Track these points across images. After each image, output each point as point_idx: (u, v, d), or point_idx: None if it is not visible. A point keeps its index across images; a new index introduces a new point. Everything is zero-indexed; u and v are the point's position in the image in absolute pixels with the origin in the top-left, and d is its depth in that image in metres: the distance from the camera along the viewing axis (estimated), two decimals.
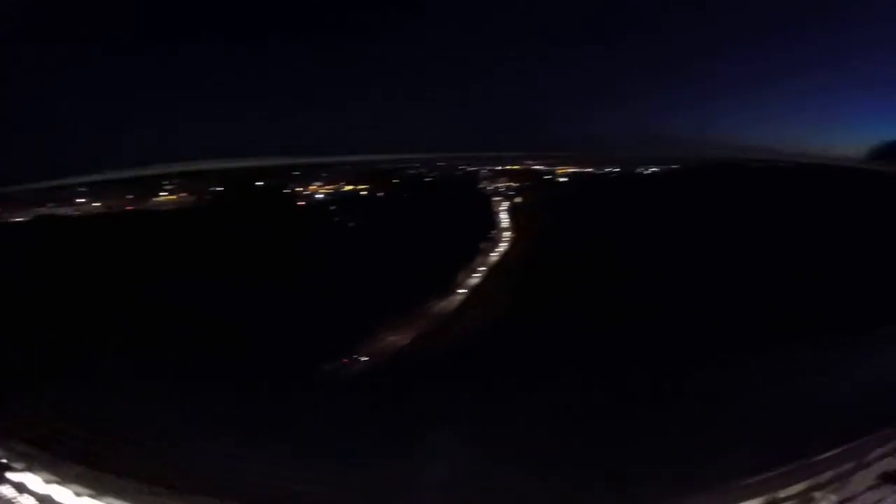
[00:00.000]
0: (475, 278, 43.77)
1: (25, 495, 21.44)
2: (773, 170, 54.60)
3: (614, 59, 56.75)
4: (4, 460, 22.68)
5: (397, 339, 37.75)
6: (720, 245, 44.80)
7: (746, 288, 39.90)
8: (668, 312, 37.48)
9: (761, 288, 39.69)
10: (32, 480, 22.07)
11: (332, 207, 49.36)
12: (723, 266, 42.44)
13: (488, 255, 46.13)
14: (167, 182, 48.61)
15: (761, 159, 55.00)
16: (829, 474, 16.09)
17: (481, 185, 53.84)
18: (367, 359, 35.27)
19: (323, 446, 24.19)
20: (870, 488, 15.58)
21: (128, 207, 47.74)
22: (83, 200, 46.79)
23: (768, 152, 55.09)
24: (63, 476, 22.03)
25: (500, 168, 54.56)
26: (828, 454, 16.85)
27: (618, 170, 56.25)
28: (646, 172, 56.30)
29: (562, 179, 55.92)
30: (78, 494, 21.33)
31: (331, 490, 21.59)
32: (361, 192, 50.57)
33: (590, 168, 56.49)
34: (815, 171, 52.84)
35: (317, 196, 50.05)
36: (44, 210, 45.75)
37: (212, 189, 49.16)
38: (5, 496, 21.31)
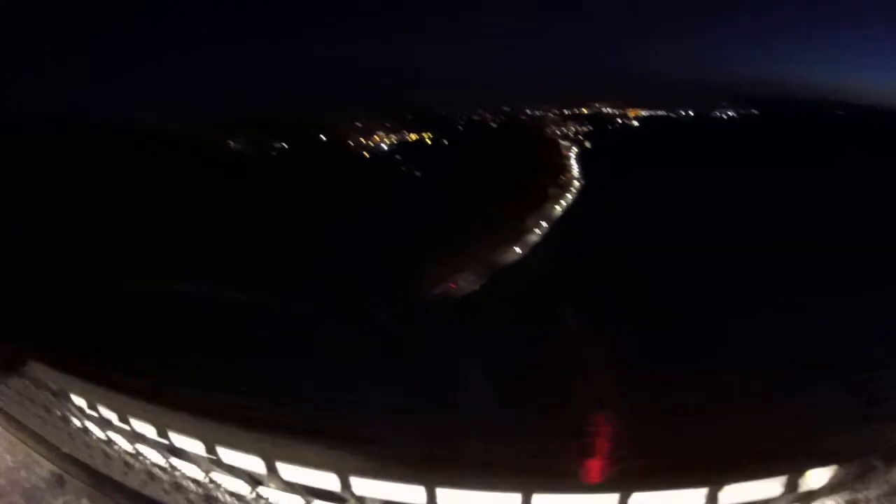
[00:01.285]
0: (540, 229, 43.23)
1: None
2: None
3: None
4: None
5: (462, 280, 38.51)
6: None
7: None
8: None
9: None
10: None
11: (398, 157, 49.22)
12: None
13: (555, 207, 45.20)
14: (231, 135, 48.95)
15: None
16: None
17: (548, 130, 52.17)
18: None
19: None
20: None
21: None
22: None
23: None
24: None
25: (566, 112, 52.51)
26: None
27: (691, 112, 52.75)
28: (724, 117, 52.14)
29: (634, 123, 53.31)
30: None
31: None
32: (427, 141, 50.06)
33: (661, 111, 53.40)
34: None
35: (381, 146, 49.99)
36: None
37: (271, 143, 49.41)
38: None
